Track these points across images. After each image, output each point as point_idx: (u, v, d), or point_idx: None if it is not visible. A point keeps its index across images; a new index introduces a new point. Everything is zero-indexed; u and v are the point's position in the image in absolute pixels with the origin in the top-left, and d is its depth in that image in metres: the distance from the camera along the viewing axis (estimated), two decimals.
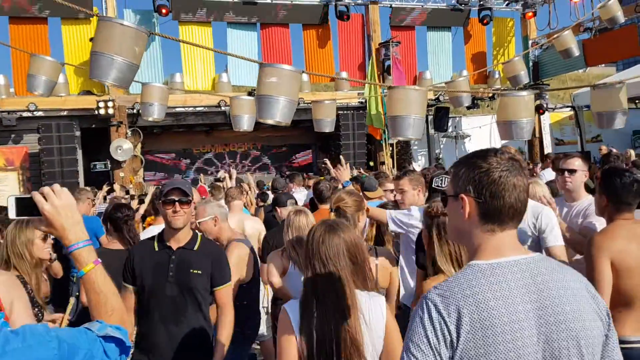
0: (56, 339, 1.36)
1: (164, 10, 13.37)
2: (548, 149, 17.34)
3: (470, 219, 1.54)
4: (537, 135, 17.09)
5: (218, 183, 7.99)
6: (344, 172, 4.94)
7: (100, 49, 3.60)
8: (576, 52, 9.55)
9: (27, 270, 3.15)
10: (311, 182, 9.42)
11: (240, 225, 5.25)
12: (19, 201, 1.61)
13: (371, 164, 15.69)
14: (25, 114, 12.70)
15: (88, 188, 7.64)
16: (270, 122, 4.16)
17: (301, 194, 7.39)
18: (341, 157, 5.86)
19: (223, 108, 14.01)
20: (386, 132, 14.39)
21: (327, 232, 2.23)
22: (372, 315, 2.15)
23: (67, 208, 1.58)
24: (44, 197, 1.57)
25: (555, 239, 3.46)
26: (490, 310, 1.40)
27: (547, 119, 17.73)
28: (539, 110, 16.03)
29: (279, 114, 4.06)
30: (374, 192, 4.98)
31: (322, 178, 8.68)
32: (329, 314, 2.09)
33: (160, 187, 3.38)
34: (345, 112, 15.10)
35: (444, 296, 1.45)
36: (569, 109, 18.67)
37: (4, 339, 1.30)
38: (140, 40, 3.72)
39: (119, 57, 3.56)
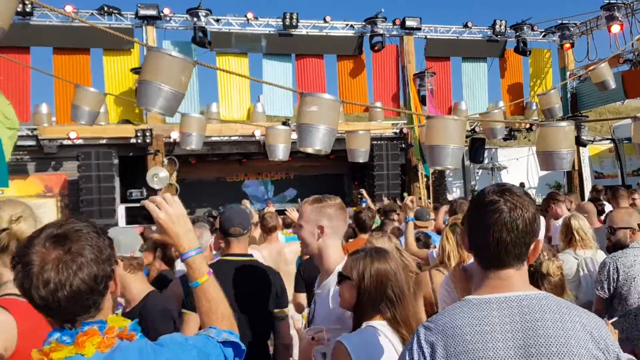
0: (194, 348, 1.45)
1: (206, 44, 13.71)
2: (587, 182, 16.92)
3: (470, 252, 1.55)
4: (577, 168, 16.68)
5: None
6: (409, 209, 4.77)
7: (148, 78, 3.63)
8: (612, 84, 9.28)
9: None
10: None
11: (281, 253, 5.21)
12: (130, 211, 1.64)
13: (405, 194, 15.51)
14: (65, 142, 13.01)
15: None
16: (309, 150, 4.16)
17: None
18: (405, 194, 5.85)
19: (257, 137, 14.14)
20: (420, 164, 14.28)
21: (387, 260, 2.10)
22: None
23: (180, 216, 1.62)
24: (157, 207, 1.62)
25: None
26: (466, 344, 1.38)
27: (586, 151, 17.31)
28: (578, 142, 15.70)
29: (319, 142, 4.06)
30: (424, 221, 4.93)
31: (354, 209, 8.54)
32: None
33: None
34: (379, 142, 15.05)
35: (428, 327, 1.47)
36: (609, 141, 18.25)
37: (153, 352, 1.37)
38: (187, 70, 3.74)
39: (166, 85, 3.58)
